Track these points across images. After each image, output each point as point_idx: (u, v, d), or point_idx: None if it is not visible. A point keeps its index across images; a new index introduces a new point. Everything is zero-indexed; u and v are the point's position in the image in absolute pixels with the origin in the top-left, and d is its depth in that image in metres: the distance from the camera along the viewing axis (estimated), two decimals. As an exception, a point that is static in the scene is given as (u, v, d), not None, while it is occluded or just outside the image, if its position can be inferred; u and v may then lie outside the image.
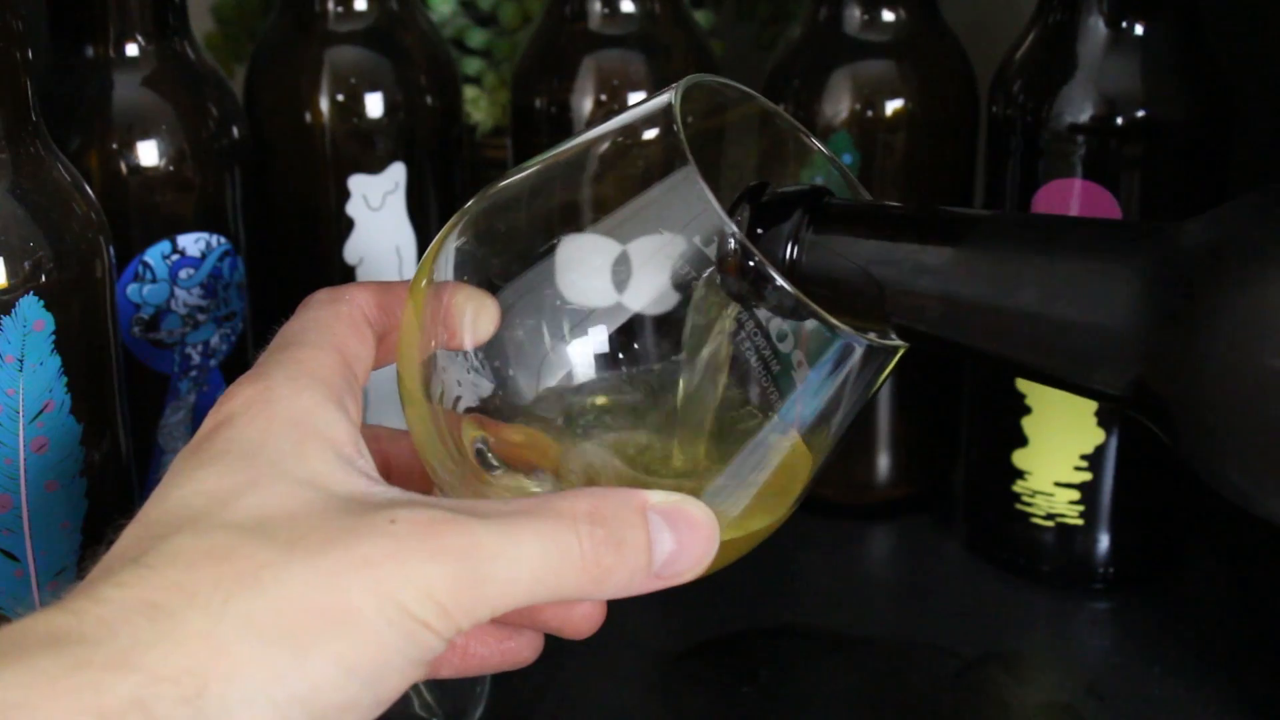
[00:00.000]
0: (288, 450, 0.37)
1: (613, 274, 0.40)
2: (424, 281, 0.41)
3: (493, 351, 0.40)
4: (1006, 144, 0.57)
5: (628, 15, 0.62)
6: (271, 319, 0.64)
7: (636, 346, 0.42)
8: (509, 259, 0.41)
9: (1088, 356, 0.37)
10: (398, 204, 0.63)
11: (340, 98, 0.61)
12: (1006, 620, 0.58)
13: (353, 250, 0.62)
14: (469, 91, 0.74)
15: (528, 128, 0.64)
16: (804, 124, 0.44)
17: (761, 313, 0.40)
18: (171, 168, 0.56)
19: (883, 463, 0.64)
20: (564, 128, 0.62)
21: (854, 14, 0.60)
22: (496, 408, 0.41)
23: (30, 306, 0.46)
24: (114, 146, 0.55)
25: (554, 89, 0.63)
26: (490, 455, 0.41)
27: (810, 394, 0.41)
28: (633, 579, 0.37)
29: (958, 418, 0.63)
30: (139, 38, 0.55)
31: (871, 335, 0.40)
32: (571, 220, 0.41)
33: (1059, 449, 0.57)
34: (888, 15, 0.60)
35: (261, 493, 0.35)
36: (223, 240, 0.57)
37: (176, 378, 0.57)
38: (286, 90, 0.62)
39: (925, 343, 0.41)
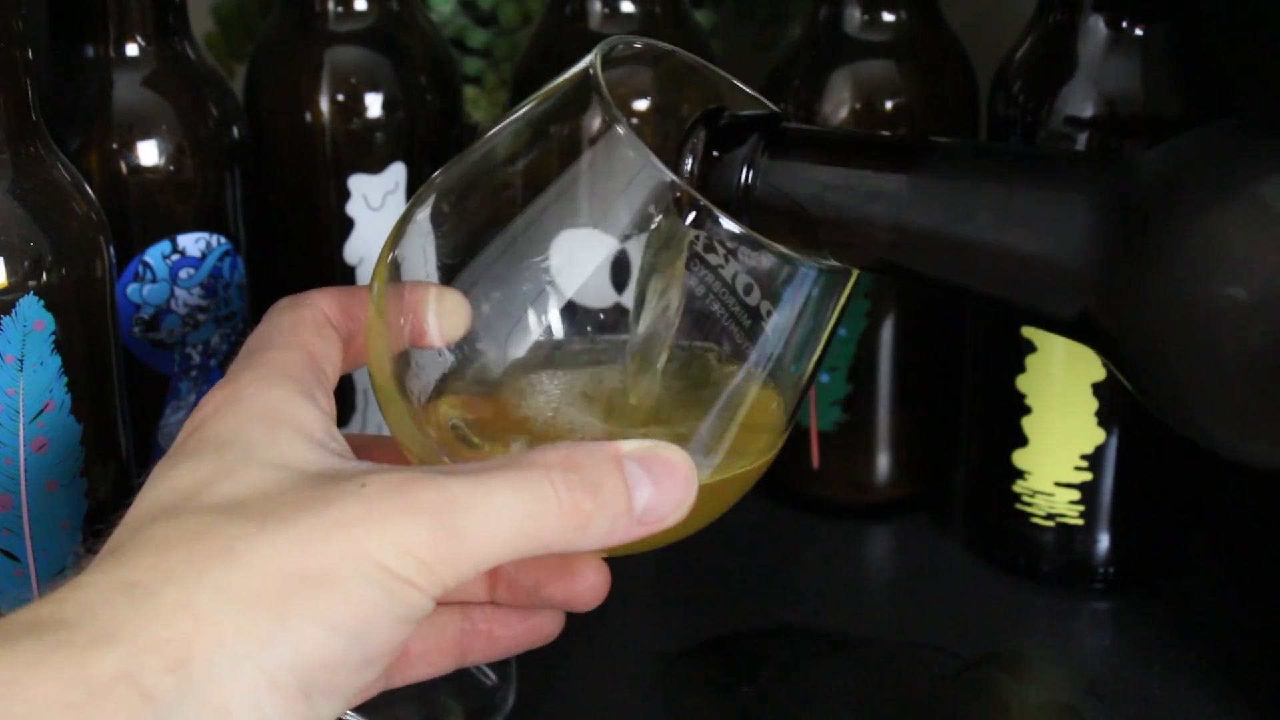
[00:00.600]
0: (258, 439, 0.37)
1: (567, 240, 0.41)
2: (389, 255, 0.42)
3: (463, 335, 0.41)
4: (1006, 144, 0.57)
5: (628, 15, 0.62)
6: (271, 319, 0.64)
7: (598, 308, 0.42)
8: (467, 235, 0.41)
9: (1040, 285, 0.37)
10: (398, 204, 0.62)
11: (340, 98, 0.61)
12: (1006, 620, 0.58)
13: (353, 250, 0.62)
14: (469, 91, 0.74)
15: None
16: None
17: (726, 270, 0.41)
18: (171, 168, 0.56)
19: (883, 463, 0.64)
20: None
21: (854, 14, 0.60)
22: (468, 385, 0.41)
23: (30, 306, 0.46)
24: (114, 146, 0.55)
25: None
26: (468, 432, 0.41)
27: (776, 335, 0.41)
28: (615, 524, 0.37)
29: (958, 418, 0.63)
30: (139, 38, 0.55)
31: (825, 261, 0.40)
32: (517, 195, 0.41)
33: (1059, 449, 0.57)
34: (888, 15, 0.60)
35: (234, 479, 0.36)
36: (223, 240, 0.57)
37: (177, 378, 0.57)
38: (286, 90, 0.62)
39: (878, 270, 0.41)
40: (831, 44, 0.61)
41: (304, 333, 0.41)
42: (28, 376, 0.46)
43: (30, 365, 0.46)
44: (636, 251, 0.41)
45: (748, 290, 0.41)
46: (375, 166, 0.62)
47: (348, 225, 0.62)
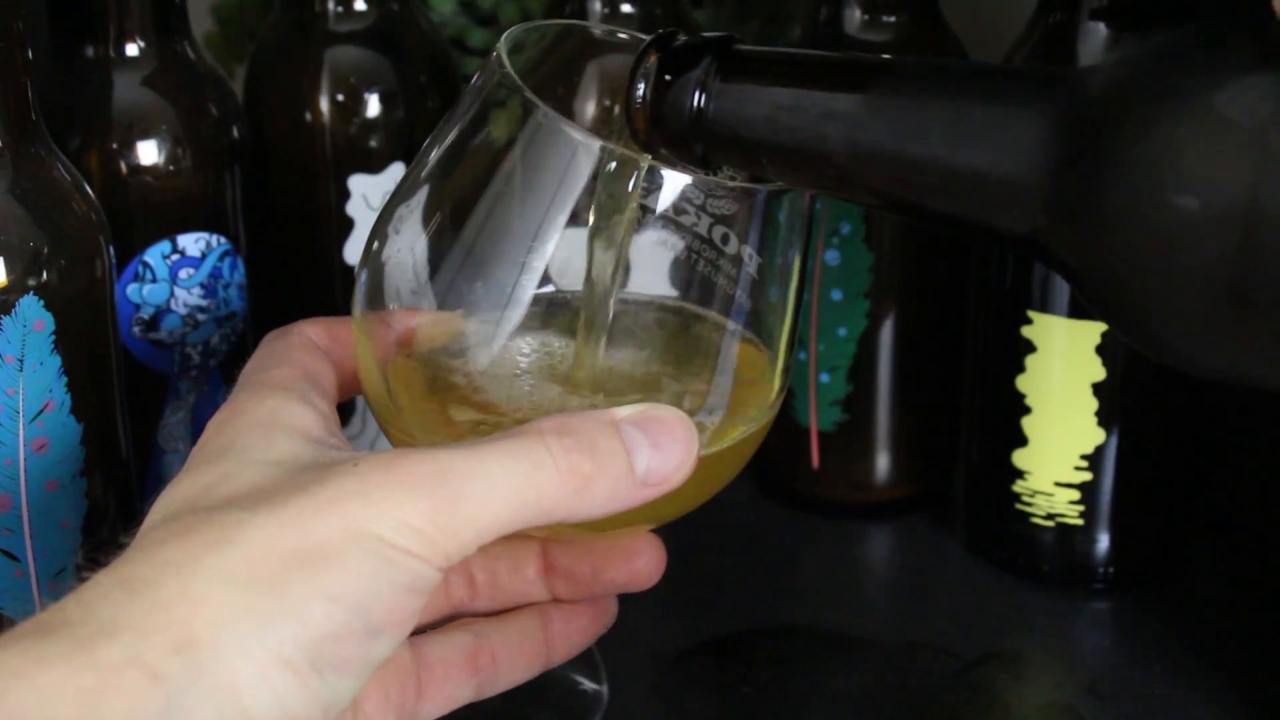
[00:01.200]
0: (255, 443, 0.38)
1: (527, 233, 0.41)
2: (362, 276, 0.43)
3: (452, 344, 0.42)
4: (1006, 144, 0.57)
5: (628, 16, 0.62)
6: (271, 319, 0.64)
7: (565, 289, 0.43)
8: (431, 251, 0.42)
9: (993, 201, 0.37)
10: (398, 204, 0.62)
11: (340, 98, 0.61)
12: (1006, 620, 0.58)
13: (353, 250, 0.62)
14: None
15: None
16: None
17: (700, 227, 0.41)
18: (171, 168, 0.56)
19: (883, 463, 0.64)
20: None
21: (854, 14, 0.60)
22: (462, 384, 0.42)
23: (30, 306, 0.46)
24: (114, 146, 0.55)
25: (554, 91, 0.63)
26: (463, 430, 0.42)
27: (757, 273, 0.42)
28: (617, 486, 0.37)
29: (958, 418, 0.63)
30: (139, 38, 0.55)
31: (774, 184, 0.41)
32: (468, 199, 0.42)
33: (1059, 449, 0.57)
34: (888, 16, 0.60)
35: (232, 481, 0.36)
36: (223, 240, 0.57)
37: (176, 378, 0.57)
38: (286, 90, 0.62)
39: (834, 193, 0.40)
40: (831, 44, 0.61)
41: (295, 354, 0.42)
42: (28, 376, 0.46)
43: (30, 365, 0.46)
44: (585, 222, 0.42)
45: (725, 240, 0.41)
46: (375, 166, 0.62)
47: (348, 225, 0.62)
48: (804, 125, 0.39)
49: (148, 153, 0.55)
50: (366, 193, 0.62)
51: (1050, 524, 0.58)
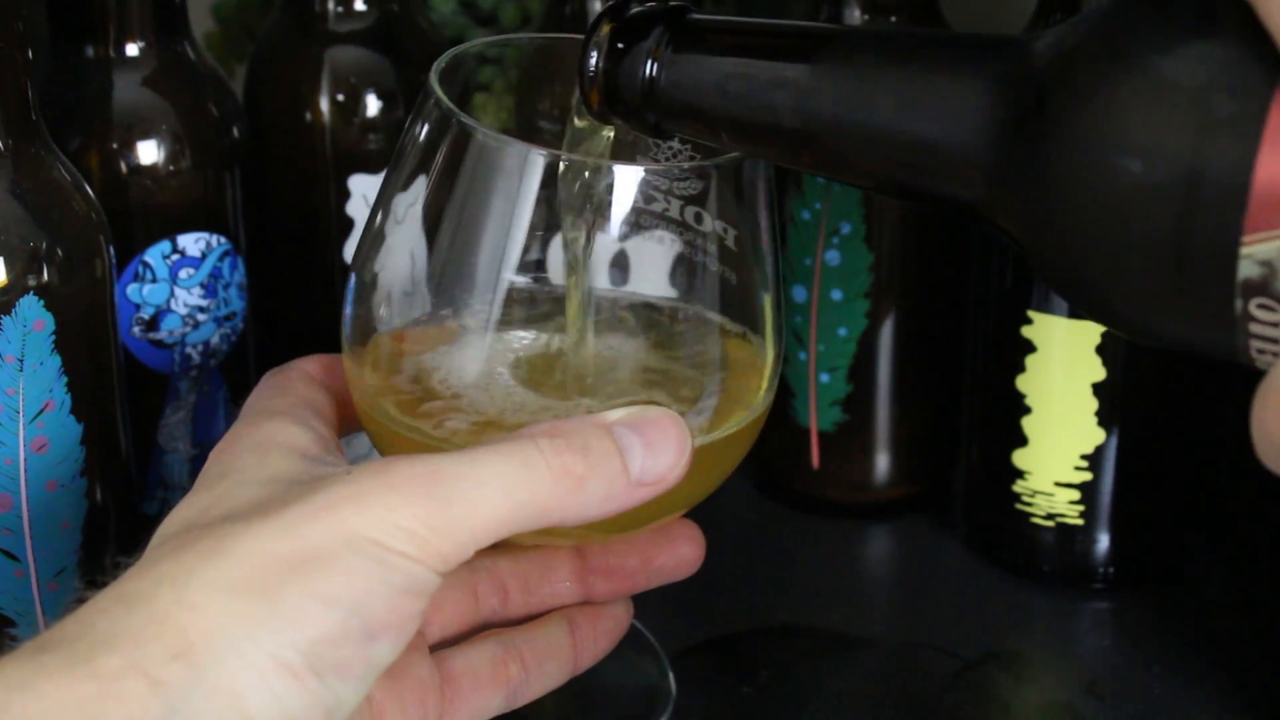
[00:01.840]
0: (252, 464, 0.38)
1: (498, 255, 0.41)
2: (346, 311, 0.44)
3: (438, 360, 0.43)
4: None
5: (628, 15, 0.62)
6: (271, 319, 0.64)
7: (543, 304, 0.43)
8: (407, 289, 0.43)
9: (941, 168, 0.36)
10: (398, 204, 0.63)
11: (340, 98, 0.61)
12: (1006, 620, 0.58)
13: (352, 250, 0.62)
14: (476, 98, 0.74)
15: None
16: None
17: (672, 211, 0.41)
18: (171, 168, 0.56)
19: (883, 463, 0.64)
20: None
21: (854, 15, 0.60)
22: (452, 401, 0.42)
23: (30, 306, 0.46)
24: (114, 146, 0.55)
25: (555, 90, 0.63)
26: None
27: (730, 253, 0.42)
28: (613, 486, 0.37)
29: (958, 418, 0.63)
30: (139, 38, 0.55)
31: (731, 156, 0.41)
32: (433, 228, 0.42)
33: (1059, 449, 0.57)
34: (888, 16, 0.60)
35: (228, 500, 0.37)
36: (223, 240, 0.57)
37: (176, 378, 0.57)
38: (286, 90, 0.62)
39: (785, 160, 0.40)
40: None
41: (293, 386, 0.43)
42: (28, 376, 0.46)
43: (30, 365, 0.46)
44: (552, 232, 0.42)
45: (699, 219, 0.41)
46: (375, 166, 0.62)
47: (347, 225, 0.62)
48: (753, 94, 0.39)
49: (148, 153, 0.55)
50: (366, 193, 0.62)
51: (1050, 524, 0.58)
